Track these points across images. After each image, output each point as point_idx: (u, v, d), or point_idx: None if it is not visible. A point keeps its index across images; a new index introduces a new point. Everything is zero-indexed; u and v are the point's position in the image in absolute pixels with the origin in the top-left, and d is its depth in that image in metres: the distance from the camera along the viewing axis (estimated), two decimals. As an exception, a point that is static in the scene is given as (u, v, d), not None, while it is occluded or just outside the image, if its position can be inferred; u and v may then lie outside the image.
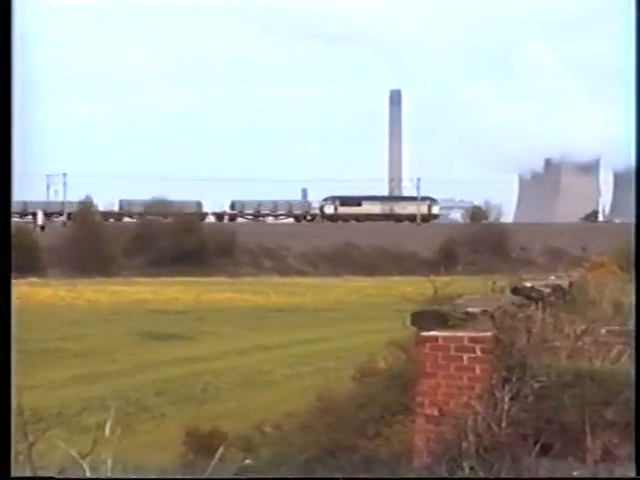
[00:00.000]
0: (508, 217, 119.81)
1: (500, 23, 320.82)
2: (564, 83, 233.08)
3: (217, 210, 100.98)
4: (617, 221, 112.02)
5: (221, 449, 7.67)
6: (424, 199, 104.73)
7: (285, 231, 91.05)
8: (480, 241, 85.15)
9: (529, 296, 9.77)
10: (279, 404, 18.40)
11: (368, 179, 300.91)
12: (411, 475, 7.54)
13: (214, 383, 23.96)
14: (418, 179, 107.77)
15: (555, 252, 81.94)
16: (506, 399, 7.36)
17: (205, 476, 6.52)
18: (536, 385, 7.45)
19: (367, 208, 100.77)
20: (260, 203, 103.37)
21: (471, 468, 7.03)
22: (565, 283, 11.47)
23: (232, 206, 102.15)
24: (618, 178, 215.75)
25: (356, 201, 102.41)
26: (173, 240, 79.78)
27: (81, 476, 5.75)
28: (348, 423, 11.09)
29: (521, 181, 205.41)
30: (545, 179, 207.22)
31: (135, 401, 21.59)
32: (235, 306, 47.46)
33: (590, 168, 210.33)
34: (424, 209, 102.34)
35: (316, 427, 11.65)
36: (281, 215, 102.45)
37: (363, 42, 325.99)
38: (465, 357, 7.66)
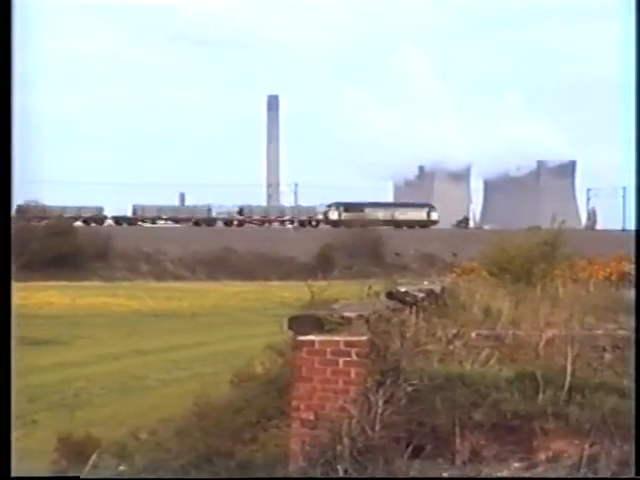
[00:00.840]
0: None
1: (374, 30, 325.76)
2: (436, 91, 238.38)
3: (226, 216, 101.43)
4: (487, 227, 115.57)
5: (94, 456, 7.59)
6: (424, 206, 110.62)
7: (163, 236, 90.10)
8: (356, 246, 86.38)
9: (403, 300, 9.93)
10: (155, 410, 18.21)
11: (246, 184, 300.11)
12: None
13: (88, 389, 23.52)
14: (295, 184, 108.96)
15: (428, 257, 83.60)
16: (380, 403, 7.50)
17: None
18: (409, 388, 7.62)
19: (370, 214, 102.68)
20: (267, 209, 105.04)
21: (345, 471, 7.15)
22: (438, 288, 11.71)
23: (240, 212, 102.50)
24: (488, 186, 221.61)
25: (359, 207, 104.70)
26: (46, 244, 77.95)
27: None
28: (225, 428, 11.09)
29: (395, 188, 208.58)
30: (418, 186, 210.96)
31: (5, 408, 21.00)
32: (111, 311, 46.69)
33: (461, 176, 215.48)
34: (423, 215, 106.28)
35: (192, 432, 11.60)
36: (287, 221, 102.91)
37: (241, 47, 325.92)
38: (341, 361, 7.78)
